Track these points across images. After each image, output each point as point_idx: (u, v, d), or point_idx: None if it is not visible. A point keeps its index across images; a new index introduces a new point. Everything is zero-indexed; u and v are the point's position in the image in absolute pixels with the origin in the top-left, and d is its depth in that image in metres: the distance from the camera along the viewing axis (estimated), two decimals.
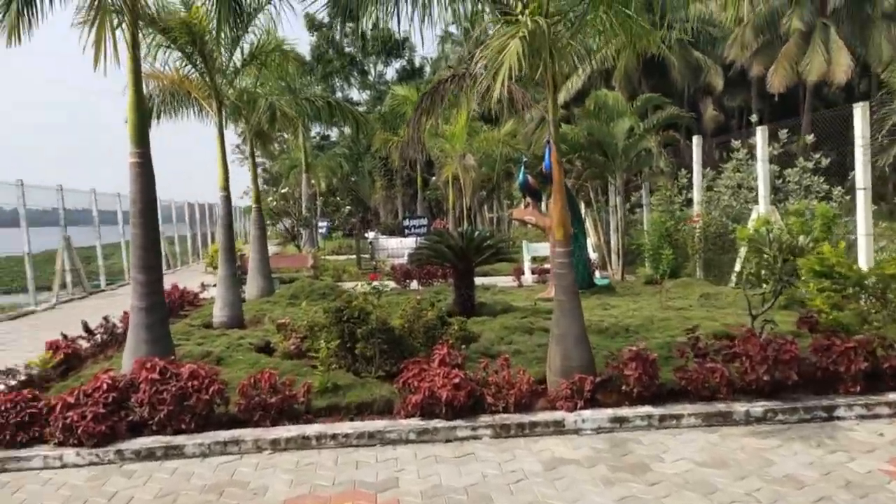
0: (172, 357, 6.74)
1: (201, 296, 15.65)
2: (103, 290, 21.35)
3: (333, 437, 5.59)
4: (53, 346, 8.06)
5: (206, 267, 23.92)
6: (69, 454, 5.25)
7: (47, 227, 19.55)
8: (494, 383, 6.17)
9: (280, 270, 19.34)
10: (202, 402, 5.53)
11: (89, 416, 5.26)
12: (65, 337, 8.76)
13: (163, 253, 24.83)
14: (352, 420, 6.00)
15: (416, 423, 5.82)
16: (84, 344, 9.23)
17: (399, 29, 6.42)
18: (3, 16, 6.74)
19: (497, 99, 5.90)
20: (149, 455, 5.34)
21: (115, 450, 5.31)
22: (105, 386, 5.46)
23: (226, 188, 12.19)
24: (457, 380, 5.89)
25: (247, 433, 5.60)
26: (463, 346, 8.70)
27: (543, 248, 17.88)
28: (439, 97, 7.25)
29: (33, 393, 5.60)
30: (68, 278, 19.47)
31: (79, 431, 5.23)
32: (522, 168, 14.55)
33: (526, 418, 5.93)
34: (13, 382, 7.00)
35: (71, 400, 5.35)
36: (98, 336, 9.70)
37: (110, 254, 23.84)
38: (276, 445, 5.52)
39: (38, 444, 5.37)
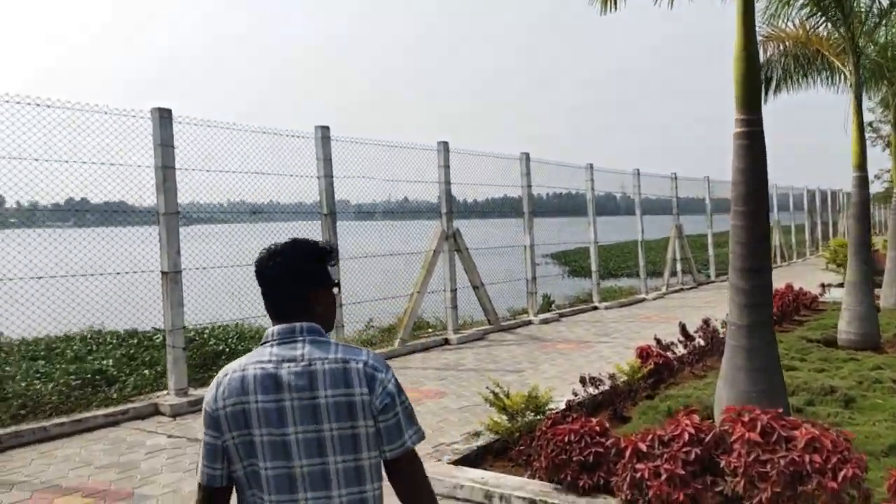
0: (779, 402, 4.87)
1: (821, 299, 13.13)
2: (712, 282, 20.52)
3: None
4: (643, 354, 7.10)
5: (826, 263, 20.75)
6: None
7: (662, 215, 19.65)
8: None
9: None
10: (827, 492, 3.56)
11: (664, 476, 3.88)
12: (658, 343, 7.76)
13: (776, 244, 22.45)
14: None
15: None
16: (679, 350, 8.11)
17: None
18: None
19: None
20: None
21: None
22: (686, 437, 4.00)
23: (861, 167, 9.51)
24: None
25: None
26: None
27: None
28: None
29: (602, 426, 4.52)
30: (678, 267, 19.23)
31: (650, 494, 3.90)
32: None
33: None
34: (594, 392, 6.22)
35: (643, 446, 4.07)
36: (697, 340, 8.48)
37: (722, 242, 22.85)
38: None
39: (604, 494, 4.26)
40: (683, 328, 8.53)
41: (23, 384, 7.75)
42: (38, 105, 6.79)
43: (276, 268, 1.84)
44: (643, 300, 16.53)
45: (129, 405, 7.10)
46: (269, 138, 8.83)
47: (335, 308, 1.95)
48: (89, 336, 10.49)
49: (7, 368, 8.71)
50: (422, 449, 2.60)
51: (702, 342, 8.40)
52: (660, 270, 19.63)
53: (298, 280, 1.84)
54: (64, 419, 6.60)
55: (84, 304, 7.78)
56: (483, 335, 11.56)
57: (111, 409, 6.94)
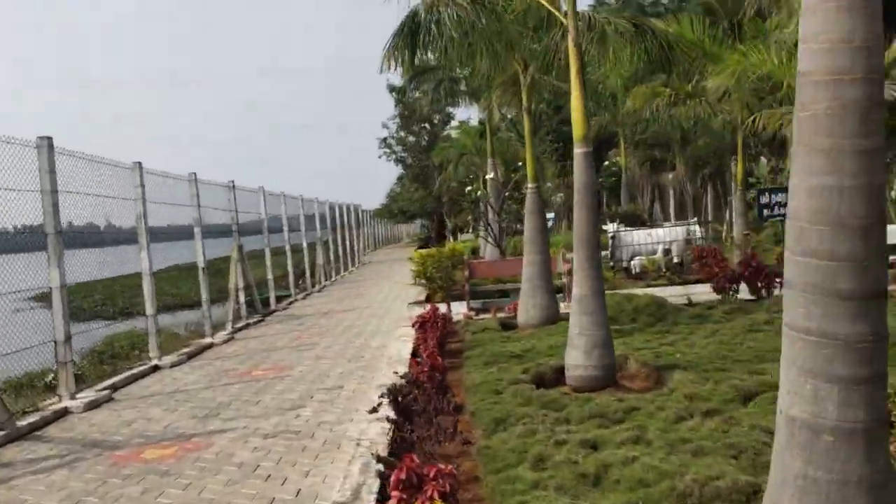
0: None
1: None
2: (274, 311, 16.94)
3: None
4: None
5: (414, 278, 19.47)
6: None
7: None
8: None
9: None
10: None
11: None
12: None
13: (319, 262, 19.63)
14: None
15: None
16: None
17: None
18: None
19: None
20: None
21: None
22: None
23: (586, 140, 7.34)
24: None
25: None
26: None
27: None
28: None
29: None
30: (242, 298, 15.28)
31: None
32: None
33: None
34: None
35: None
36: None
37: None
38: None
39: None
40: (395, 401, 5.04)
41: None
42: None
43: None
44: (211, 345, 12.32)
45: None
46: None
47: None
48: None
49: None
50: None
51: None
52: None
53: None
54: None
55: None
56: None
57: None
